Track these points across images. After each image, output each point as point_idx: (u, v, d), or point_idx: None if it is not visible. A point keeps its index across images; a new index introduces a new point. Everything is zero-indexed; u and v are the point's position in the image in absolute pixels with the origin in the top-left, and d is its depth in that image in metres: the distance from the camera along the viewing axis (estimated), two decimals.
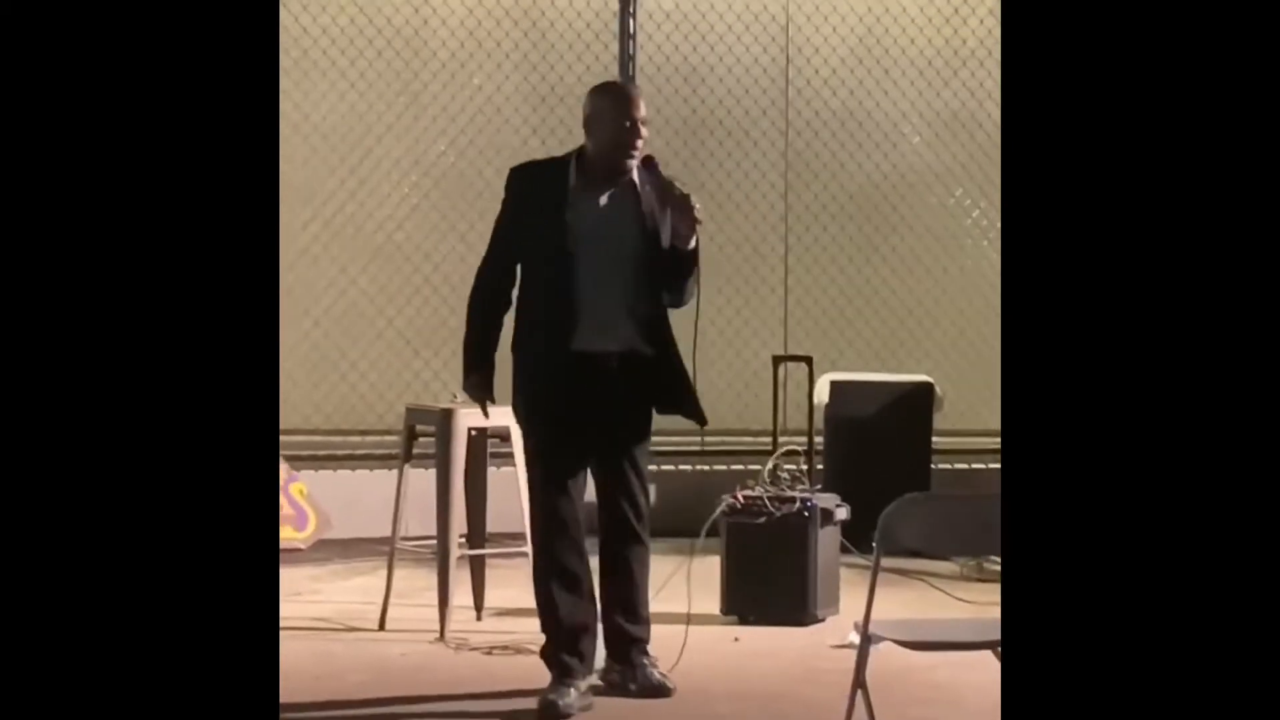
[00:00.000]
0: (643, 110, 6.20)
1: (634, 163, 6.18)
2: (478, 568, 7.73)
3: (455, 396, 7.76)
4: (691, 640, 7.57)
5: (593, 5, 10.62)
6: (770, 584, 7.78)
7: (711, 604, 7.88)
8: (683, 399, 6.39)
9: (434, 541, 7.48)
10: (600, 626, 6.47)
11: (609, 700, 6.42)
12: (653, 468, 10.47)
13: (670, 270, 6.20)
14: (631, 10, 10.55)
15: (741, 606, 7.86)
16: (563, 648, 6.36)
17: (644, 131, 6.18)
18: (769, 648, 7.30)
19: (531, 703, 6.35)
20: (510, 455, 7.57)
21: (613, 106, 6.19)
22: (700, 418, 6.49)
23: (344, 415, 10.31)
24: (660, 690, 6.43)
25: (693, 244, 6.15)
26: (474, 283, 6.44)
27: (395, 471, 7.73)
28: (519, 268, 6.32)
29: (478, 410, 7.15)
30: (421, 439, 7.64)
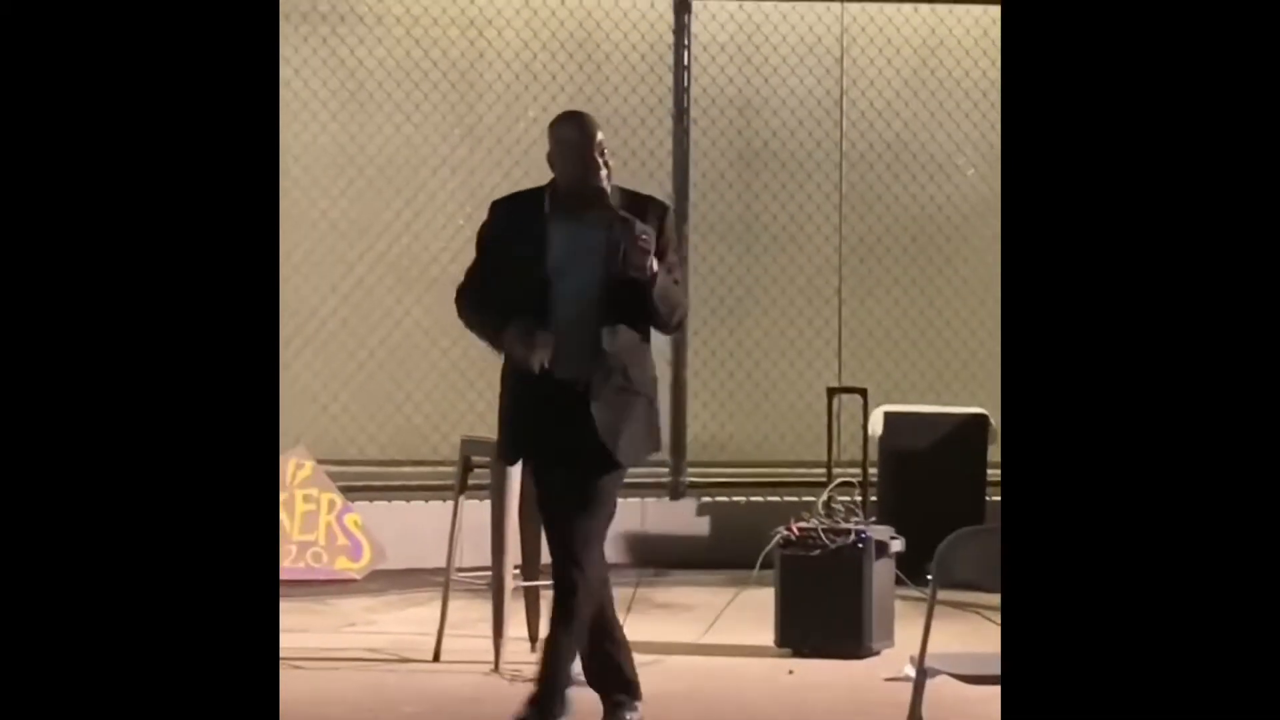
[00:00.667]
0: (600, 137, 6.13)
1: (603, 188, 6.07)
2: (532, 598, 7.73)
3: None
4: (746, 672, 7.56)
5: (647, 37, 10.63)
6: (825, 616, 7.76)
7: (765, 636, 7.86)
8: (641, 440, 6.26)
9: (489, 572, 7.48)
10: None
11: None
12: (706, 499, 10.56)
13: (637, 300, 6.07)
14: (686, 42, 10.57)
15: (796, 639, 7.84)
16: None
17: (607, 160, 6.11)
18: (823, 680, 7.28)
19: None
20: None
21: (573, 137, 6.13)
22: (648, 451, 6.40)
23: (399, 446, 10.32)
24: None
25: (648, 272, 5.98)
26: (457, 300, 6.38)
27: (450, 502, 7.74)
28: (501, 300, 6.20)
29: None
30: (476, 470, 7.65)
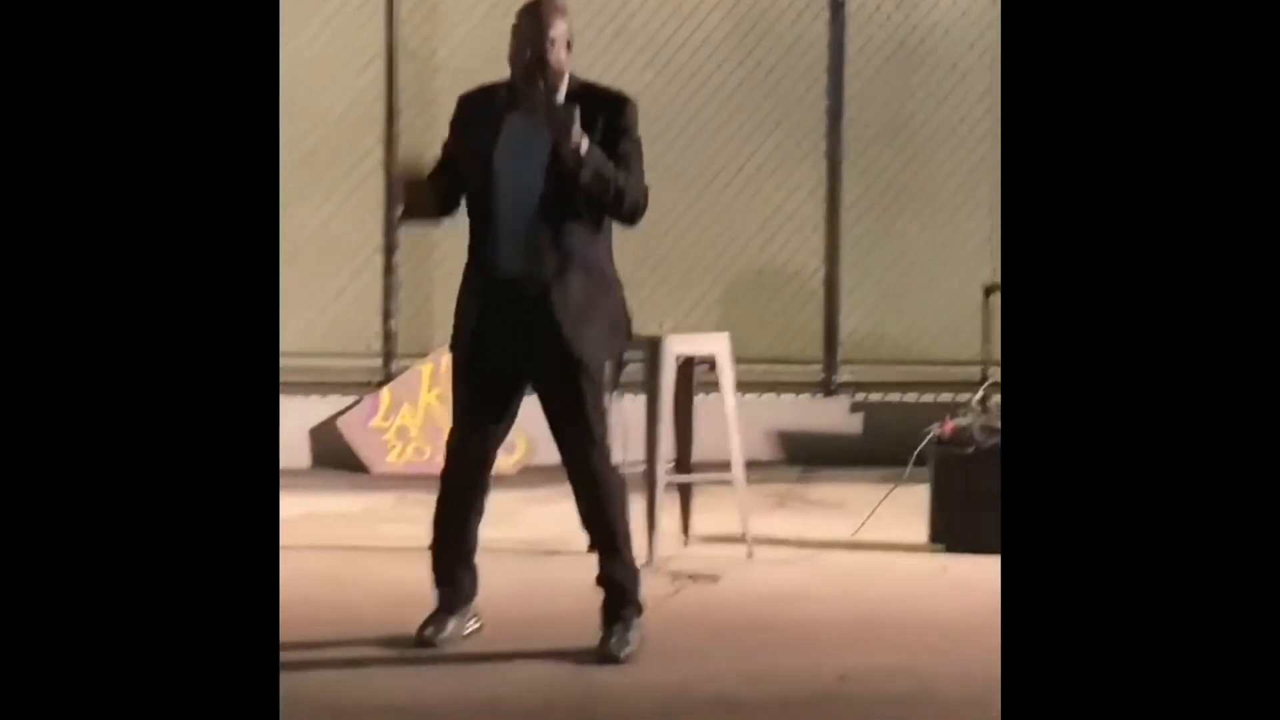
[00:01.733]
0: (556, 29, 5.99)
1: (542, 85, 5.96)
2: (685, 494, 7.77)
3: (663, 324, 7.79)
4: (898, 569, 7.57)
5: None
6: (978, 514, 7.73)
7: (918, 533, 7.86)
8: (604, 337, 6.13)
9: (642, 468, 7.51)
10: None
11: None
12: (859, 397, 10.53)
13: (581, 193, 5.96)
14: None
15: (948, 536, 7.82)
16: (442, 577, 6.23)
17: (554, 52, 5.97)
18: (975, 578, 7.25)
19: (721, 627, 6.38)
20: (718, 382, 7.59)
21: (525, 25, 6.02)
22: (623, 346, 6.33)
23: None
24: (604, 658, 6.02)
25: (572, 150, 5.85)
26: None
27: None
28: (466, 196, 6.14)
29: (686, 337, 7.17)
30: (630, 365, 7.68)
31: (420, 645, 6.13)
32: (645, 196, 6.10)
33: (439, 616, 6.22)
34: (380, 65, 10.03)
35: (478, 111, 6.14)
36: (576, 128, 5.85)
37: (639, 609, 6.13)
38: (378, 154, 10.06)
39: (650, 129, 10.42)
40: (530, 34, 5.97)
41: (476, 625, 6.28)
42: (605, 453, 6.15)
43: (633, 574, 6.17)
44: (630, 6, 10.47)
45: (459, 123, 6.23)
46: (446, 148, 6.26)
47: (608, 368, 6.41)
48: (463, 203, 6.17)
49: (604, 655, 6.01)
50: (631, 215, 6.07)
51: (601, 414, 6.13)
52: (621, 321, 6.22)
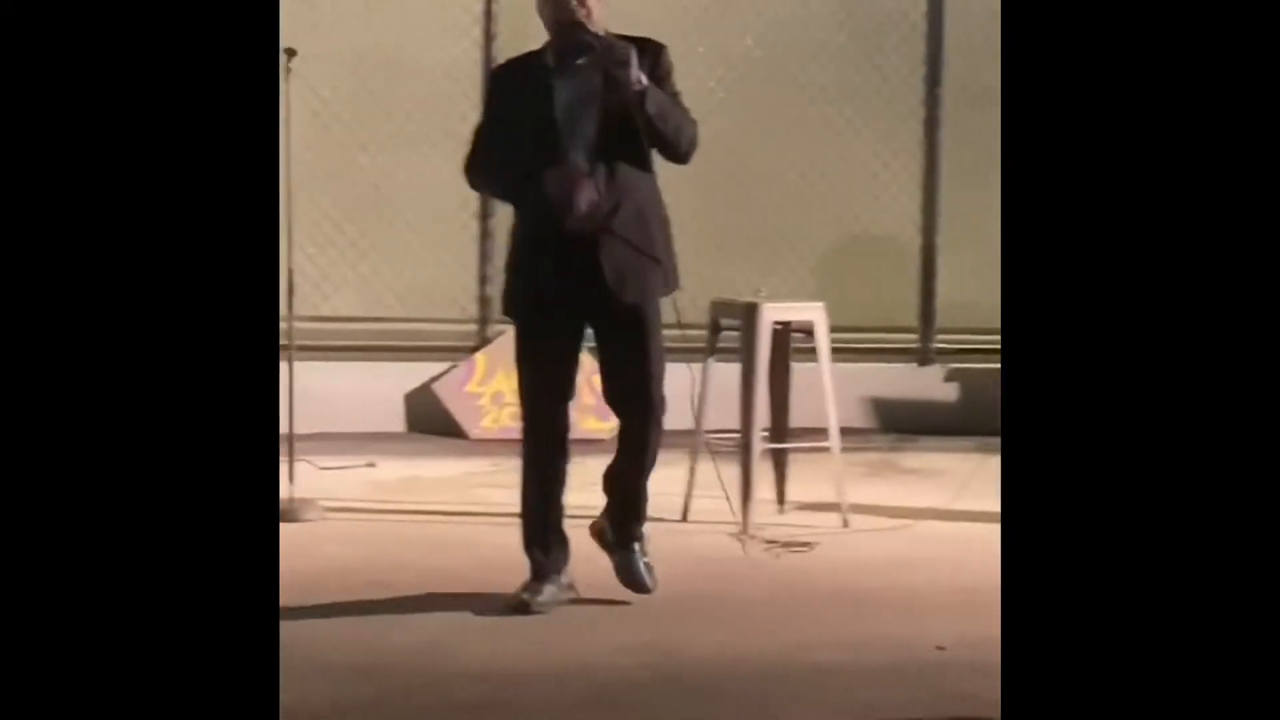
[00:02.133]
0: None
1: (577, 20, 6.05)
2: (780, 461, 7.76)
3: (760, 291, 7.78)
4: (994, 538, 7.56)
5: None
6: None
7: None
8: (654, 278, 6.22)
9: (736, 435, 7.51)
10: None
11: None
12: (955, 365, 10.49)
13: (635, 136, 6.08)
14: None
15: None
16: (533, 544, 6.30)
17: (588, 4, 6.06)
18: None
19: (817, 596, 6.38)
20: (814, 350, 7.58)
21: None
22: (669, 289, 6.32)
23: None
24: (638, 585, 6.30)
25: (634, 84, 5.99)
26: (465, 168, 6.39)
27: (699, 365, 7.76)
28: (511, 167, 6.23)
29: (782, 305, 7.21)
30: (725, 333, 7.67)
31: (515, 611, 6.16)
32: (696, 134, 6.20)
33: (534, 583, 6.26)
34: (479, 29, 10.04)
35: (519, 78, 6.23)
36: (635, 64, 5.97)
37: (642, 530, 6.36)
38: (474, 118, 10.03)
39: (748, 95, 10.48)
40: None
41: (572, 592, 6.31)
42: (661, 385, 6.26)
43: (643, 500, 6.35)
44: None
45: (500, 94, 6.34)
46: (487, 125, 6.32)
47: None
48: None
49: (632, 582, 6.27)
50: (687, 151, 6.20)
51: (660, 351, 6.26)
52: (669, 263, 6.29)
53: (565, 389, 6.28)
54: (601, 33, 6.11)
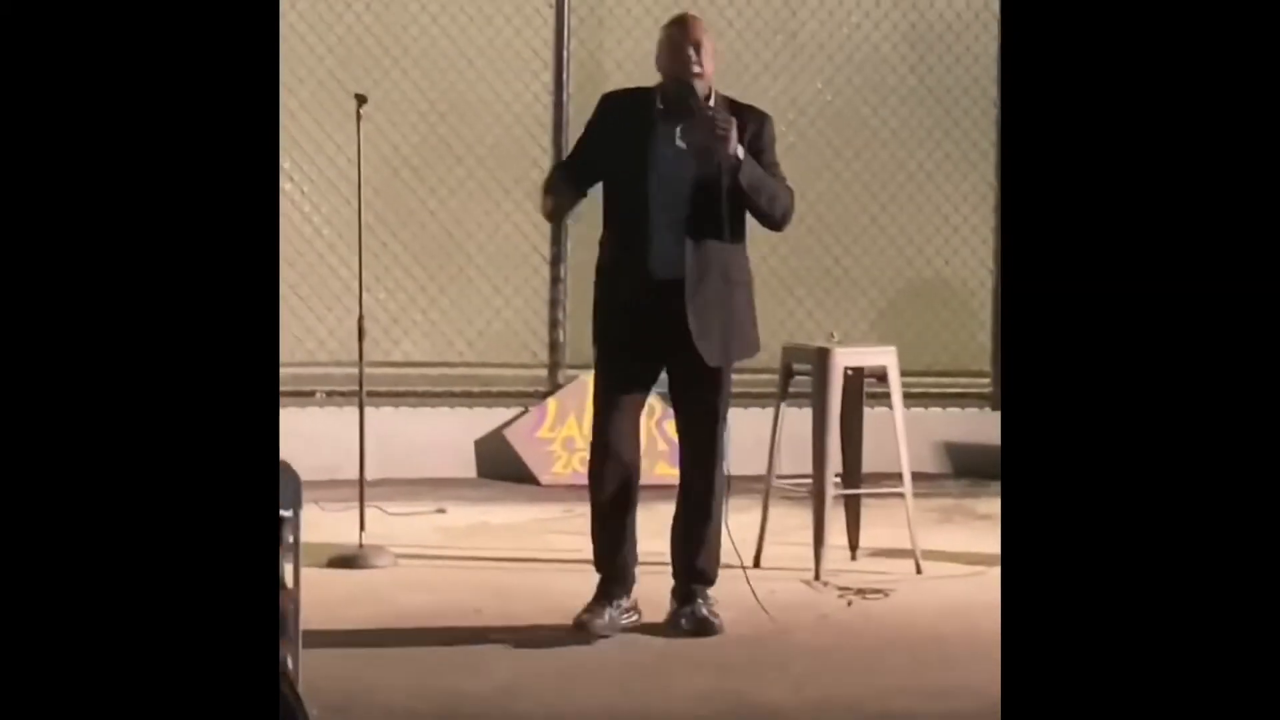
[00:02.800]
0: (702, 41, 6.34)
1: (690, 83, 6.27)
2: (853, 507, 7.71)
3: (833, 335, 7.75)
4: None
5: None
6: None
7: None
8: (735, 342, 6.40)
9: (809, 480, 7.47)
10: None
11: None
12: None
13: (733, 200, 6.28)
14: None
15: None
16: (601, 568, 6.44)
17: (703, 64, 6.31)
18: None
19: (891, 642, 6.33)
20: (886, 395, 7.53)
21: (672, 38, 6.35)
22: (750, 352, 6.54)
23: None
24: (704, 627, 6.39)
25: (730, 156, 6.19)
26: (551, 172, 6.73)
27: (770, 409, 7.73)
28: (604, 195, 6.46)
29: (855, 350, 7.23)
30: (797, 378, 7.64)
31: (577, 631, 6.25)
32: (792, 204, 6.46)
33: (597, 605, 6.34)
34: (549, 75, 10.05)
35: (626, 115, 6.39)
36: (734, 134, 6.16)
37: (709, 583, 6.49)
38: (545, 163, 10.07)
39: (818, 139, 10.46)
40: (677, 40, 6.32)
41: (635, 617, 6.42)
42: (721, 444, 6.45)
43: (713, 553, 6.48)
44: (800, 17, 10.43)
45: (602, 122, 6.48)
46: (583, 144, 6.54)
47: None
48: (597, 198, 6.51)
49: (693, 630, 6.35)
50: (782, 221, 6.47)
51: (724, 413, 6.44)
52: (751, 328, 6.50)
53: (635, 419, 6.46)
54: (710, 94, 6.32)
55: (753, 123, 6.36)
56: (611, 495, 6.40)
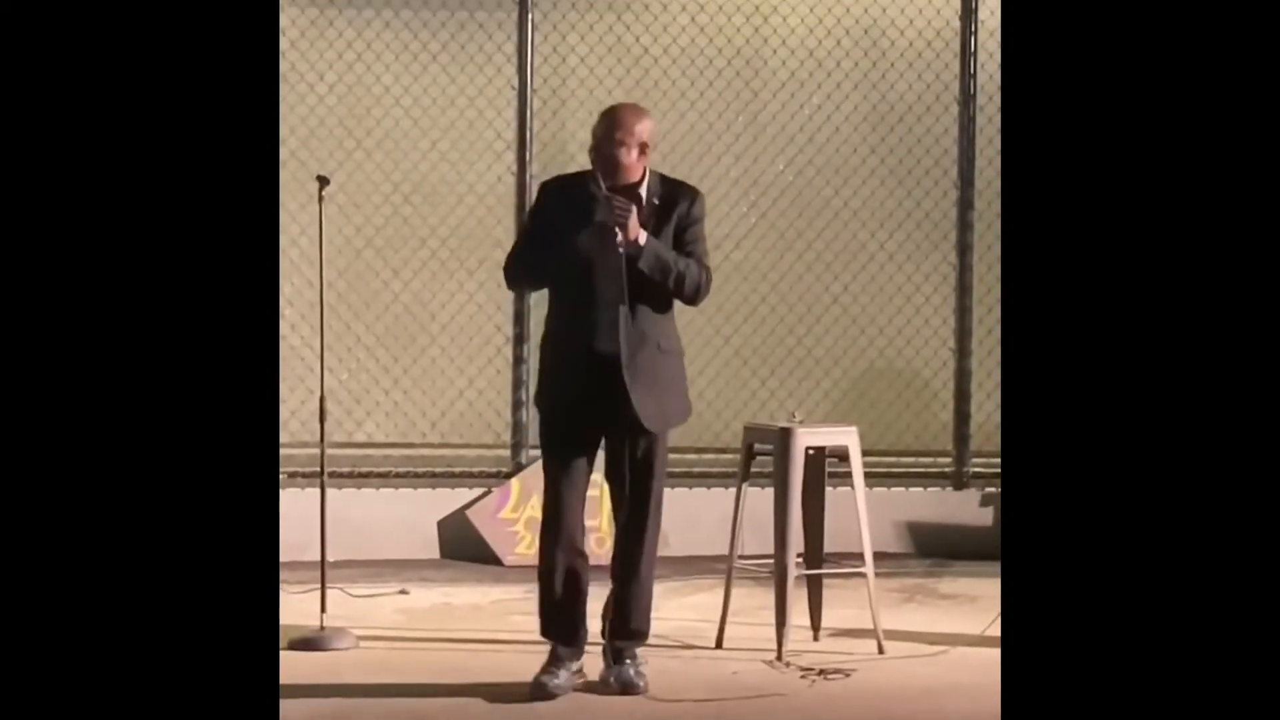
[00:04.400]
0: (628, 131, 6.61)
1: (590, 185, 6.58)
2: (815, 587, 7.71)
3: (794, 415, 7.76)
4: None
5: (933, 24, 10.54)
6: None
7: None
8: (671, 408, 6.77)
9: (771, 560, 7.47)
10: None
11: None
12: (990, 490, 10.42)
13: (648, 275, 6.58)
14: (973, 28, 10.45)
15: None
16: (550, 633, 6.72)
17: (624, 153, 6.59)
18: None
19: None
20: (848, 475, 7.54)
21: (599, 129, 6.67)
22: (684, 417, 6.89)
23: (681, 433, 10.30)
24: (629, 688, 6.64)
25: (629, 241, 6.51)
26: (505, 269, 6.89)
27: (733, 490, 7.74)
28: (549, 276, 6.78)
29: (816, 430, 7.33)
30: (759, 457, 7.65)
31: (534, 692, 6.53)
32: (707, 280, 6.74)
33: (551, 667, 6.62)
34: (512, 156, 10.09)
35: (564, 199, 6.69)
36: (633, 220, 6.50)
37: (641, 640, 6.78)
38: (508, 244, 10.08)
39: (780, 220, 10.50)
40: (601, 134, 6.64)
41: (581, 678, 6.71)
42: (658, 508, 6.75)
43: (643, 612, 6.76)
44: (762, 98, 10.49)
45: (543, 209, 6.79)
46: (526, 231, 6.98)
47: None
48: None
49: (622, 689, 6.62)
50: (693, 297, 6.76)
51: (662, 476, 6.76)
52: (683, 394, 6.87)
53: (581, 479, 6.71)
54: (643, 175, 6.64)
55: (683, 200, 6.71)
56: (560, 561, 6.67)
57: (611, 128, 6.63)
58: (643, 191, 6.64)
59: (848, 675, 7.10)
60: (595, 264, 6.58)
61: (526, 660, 6.89)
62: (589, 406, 6.63)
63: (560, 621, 6.70)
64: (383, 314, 10.14)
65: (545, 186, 6.90)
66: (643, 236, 6.55)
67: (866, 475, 7.68)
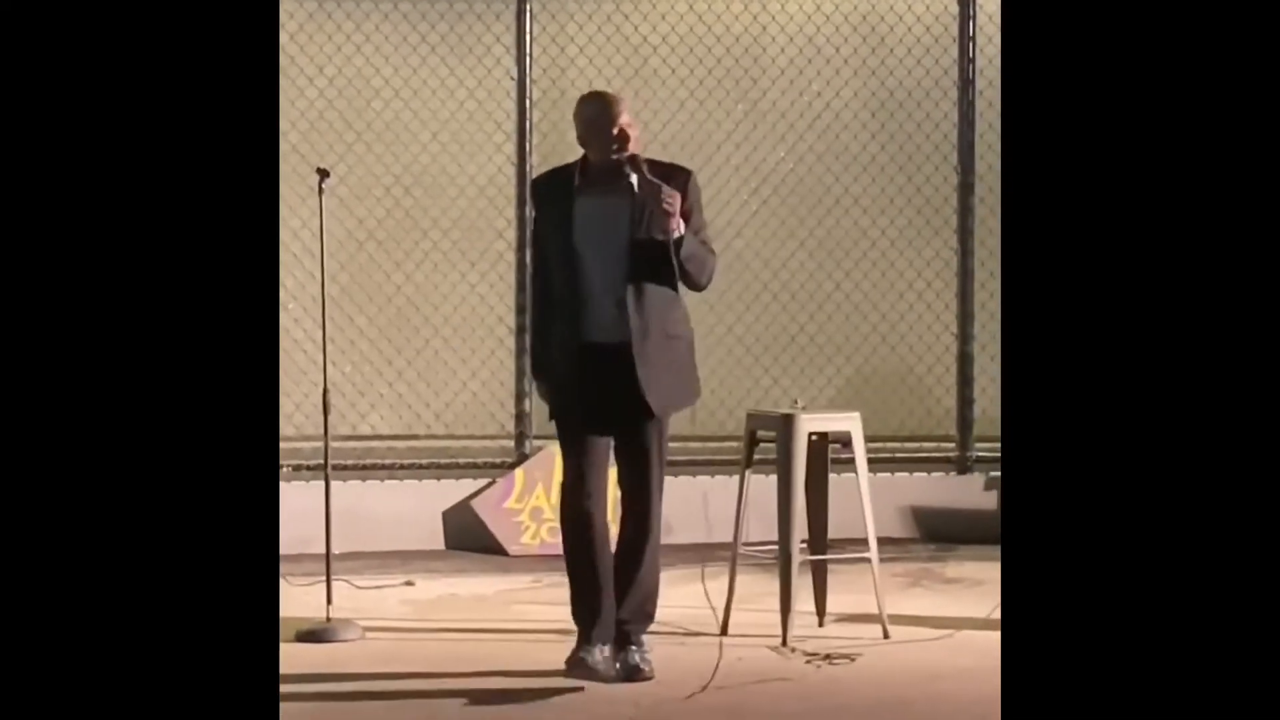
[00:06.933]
0: (625, 115, 6.59)
1: (623, 160, 6.52)
2: (819, 573, 7.72)
3: (796, 402, 7.76)
4: None
5: (932, 9, 10.54)
6: None
7: None
8: (678, 391, 6.75)
9: (775, 547, 7.48)
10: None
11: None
12: (994, 474, 10.43)
13: (665, 261, 6.51)
14: (972, 13, 10.45)
15: None
16: (579, 616, 6.69)
17: (630, 134, 6.56)
18: None
19: (858, 708, 6.33)
20: (851, 460, 7.55)
21: (594, 115, 6.61)
22: (693, 399, 6.91)
23: (686, 421, 10.37)
24: (633, 674, 6.64)
25: (674, 234, 6.47)
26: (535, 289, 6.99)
27: (736, 477, 7.75)
28: (541, 270, 6.84)
29: (818, 416, 7.34)
30: (763, 444, 7.66)
31: (573, 668, 6.52)
32: (715, 267, 6.75)
33: (586, 646, 6.60)
34: (511, 147, 10.10)
35: (552, 193, 6.69)
36: (678, 207, 6.44)
37: (647, 622, 6.77)
38: (510, 235, 10.13)
39: (781, 207, 10.51)
40: (600, 120, 6.59)
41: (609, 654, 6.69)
42: (659, 491, 6.71)
43: (649, 595, 6.76)
44: (762, 85, 10.50)
45: (538, 207, 6.82)
46: (534, 236, 6.99)
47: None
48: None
49: (629, 676, 6.60)
50: (706, 285, 6.75)
51: (663, 459, 6.73)
52: (693, 377, 6.85)
53: (598, 464, 6.70)
54: (641, 163, 6.53)
55: (677, 181, 6.60)
56: (578, 542, 6.68)
57: (610, 109, 6.59)
58: (643, 173, 6.56)
59: (853, 660, 7.12)
60: (594, 252, 6.57)
61: (533, 650, 6.90)
62: (594, 402, 6.62)
63: (583, 602, 6.69)
64: (385, 306, 10.15)
65: (533, 185, 6.90)
66: (682, 226, 6.52)
67: (870, 461, 7.69)
